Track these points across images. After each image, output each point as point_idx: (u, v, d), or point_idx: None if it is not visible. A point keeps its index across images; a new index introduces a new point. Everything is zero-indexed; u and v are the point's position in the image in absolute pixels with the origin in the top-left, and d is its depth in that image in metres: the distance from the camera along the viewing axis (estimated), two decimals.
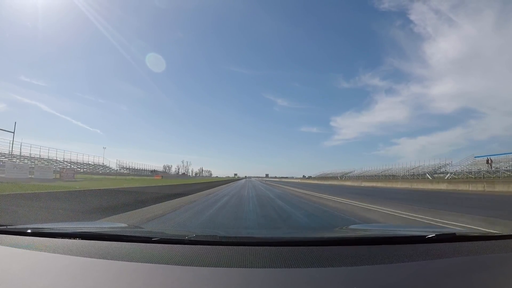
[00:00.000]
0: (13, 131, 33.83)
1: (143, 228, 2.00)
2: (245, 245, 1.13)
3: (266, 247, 1.13)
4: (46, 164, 36.37)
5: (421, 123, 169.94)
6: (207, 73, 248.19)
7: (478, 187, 20.94)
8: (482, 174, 33.29)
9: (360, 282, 0.85)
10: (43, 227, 1.48)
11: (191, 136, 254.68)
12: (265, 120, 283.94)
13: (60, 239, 1.22)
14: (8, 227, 1.37)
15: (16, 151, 37.73)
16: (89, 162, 60.02)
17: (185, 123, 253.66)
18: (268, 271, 0.90)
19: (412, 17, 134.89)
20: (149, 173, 77.79)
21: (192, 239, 1.20)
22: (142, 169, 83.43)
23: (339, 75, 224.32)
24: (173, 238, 1.26)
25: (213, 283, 0.81)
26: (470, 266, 1.01)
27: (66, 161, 51.25)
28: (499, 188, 19.17)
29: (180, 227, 5.59)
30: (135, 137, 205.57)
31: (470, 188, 21.37)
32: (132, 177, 51.80)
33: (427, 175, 44.25)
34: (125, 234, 1.32)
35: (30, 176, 24.10)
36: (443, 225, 5.65)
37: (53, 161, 45.97)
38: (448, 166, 45.62)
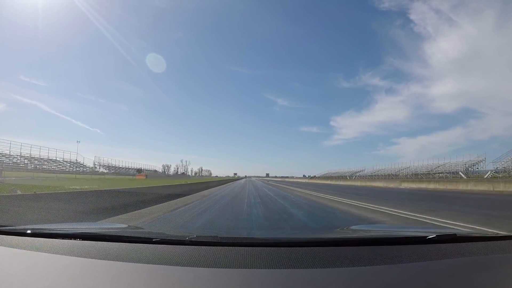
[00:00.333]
0: None
1: (143, 228, 1.99)
2: (246, 246, 1.12)
3: (266, 247, 1.13)
4: None
5: (421, 123, 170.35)
6: (207, 72, 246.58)
7: None
8: None
9: (361, 283, 0.85)
10: (43, 227, 1.48)
11: (191, 136, 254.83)
12: (265, 119, 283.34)
13: (60, 240, 1.22)
14: (8, 227, 1.37)
15: None
16: (63, 160, 53.64)
17: (185, 123, 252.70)
18: (268, 272, 0.90)
19: (413, 16, 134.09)
20: (135, 172, 72.47)
21: (193, 239, 1.20)
22: (127, 168, 76.49)
23: (339, 75, 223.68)
24: (173, 238, 1.26)
25: (214, 284, 0.81)
26: (471, 266, 1.01)
27: (34, 158, 46.41)
28: None
29: (181, 228, 5.56)
30: (135, 137, 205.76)
31: None
32: (111, 176, 46.80)
33: (460, 173, 39.29)
34: (125, 235, 1.32)
35: None
36: (443, 225, 5.53)
37: (23, 158, 41.31)
38: (481, 163, 40.79)
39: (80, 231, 1.41)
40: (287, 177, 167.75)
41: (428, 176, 49.14)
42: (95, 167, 61.79)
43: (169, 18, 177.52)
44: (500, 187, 18.81)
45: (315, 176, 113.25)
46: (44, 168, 47.97)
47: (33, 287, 0.80)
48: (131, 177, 55.28)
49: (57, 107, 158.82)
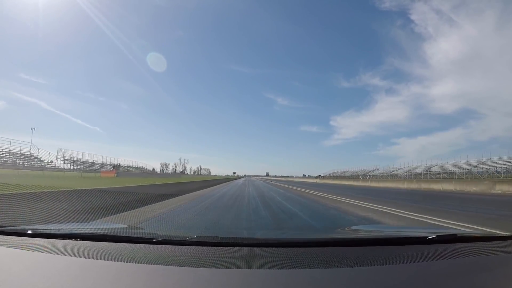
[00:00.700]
0: None
1: (143, 229, 1.97)
2: (246, 246, 1.12)
3: (267, 248, 1.12)
4: None
5: (421, 123, 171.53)
6: (207, 71, 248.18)
7: None
8: None
9: (362, 283, 0.84)
10: (43, 228, 1.47)
11: (191, 135, 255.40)
12: (265, 119, 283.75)
13: (60, 240, 1.21)
14: (8, 227, 1.37)
15: None
16: (9, 152, 41.80)
17: (185, 122, 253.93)
18: (269, 272, 0.90)
19: (413, 17, 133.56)
20: (111, 169, 60.22)
21: (193, 240, 1.19)
22: (103, 163, 64.28)
23: (339, 75, 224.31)
24: (174, 239, 1.26)
25: (214, 284, 0.81)
26: (471, 267, 1.01)
27: None
28: None
29: (181, 228, 5.53)
30: (135, 135, 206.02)
31: None
32: (68, 173, 38.36)
33: None
34: (125, 235, 1.32)
35: None
36: (444, 225, 5.54)
37: None
38: None
39: (80, 231, 1.41)
40: (287, 176, 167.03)
41: (469, 175, 42.58)
42: (52, 162, 48.75)
43: (170, 17, 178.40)
44: None
45: (320, 175, 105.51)
46: None
47: (33, 287, 0.80)
48: (94, 174, 43.67)
49: (57, 105, 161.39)
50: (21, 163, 41.36)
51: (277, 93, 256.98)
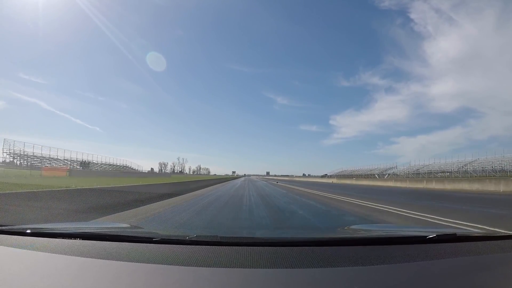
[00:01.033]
0: None
1: (143, 228, 1.98)
2: (246, 246, 1.12)
3: (267, 247, 1.12)
4: None
5: (420, 122, 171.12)
6: (207, 71, 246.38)
7: None
8: None
9: (361, 282, 0.84)
10: (44, 227, 1.47)
11: (191, 134, 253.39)
12: (264, 118, 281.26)
13: (60, 239, 1.21)
14: (8, 227, 1.36)
15: None
16: None
17: (185, 121, 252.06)
18: (269, 272, 0.89)
19: (413, 15, 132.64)
20: (77, 166, 52.81)
21: (193, 239, 1.19)
22: (65, 160, 53.00)
23: (339, 74, 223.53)
24: (174, 238, 1.25)
25: (214, 284, 0.81)
26: (471, 266, 1.01)
27: None
28: None
29: (181, 227, 5.56)
30: (135, 135, 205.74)
31: None
32: (11, 171, 30.77)
33: None
34: (125, 234, 1.31)
35: None
36: (444, 225, 5.58)
37: None
38: None
39: (80, 231, 1.41)
40: (288, 175, 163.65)
41: None
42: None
43: (169, 16, 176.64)
44: None
45: (326, 174, 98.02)
46: None
47: (33, 287, 0.79)
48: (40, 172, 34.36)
49: (57, 105, 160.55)
50: None
51: (277, 92, 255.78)
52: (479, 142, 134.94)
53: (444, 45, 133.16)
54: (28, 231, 1.29)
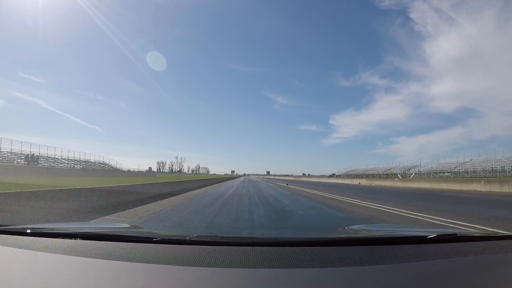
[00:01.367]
0: None
1: (143, 228, 1.97)
2: (246, 246, 1.11)
3: (267, 247, 1.12)
4: None
5: (420, 122, 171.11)
6: (207, 70, 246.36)
7: None
8: None
9: (362, 282, 0.84)
10: (44, 227, 1.46)
11: (191, 133, 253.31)
12: (264, 117, 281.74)
13: (60, 239, 1.21)
14: (8, 227, 1.36)
15: None
16: None
17: (185, 121, 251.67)
18: (269, 272, 0.89)
19: (413, 15, 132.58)
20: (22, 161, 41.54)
21: (193, 239, 1.19)
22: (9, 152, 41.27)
23: (338, 73, 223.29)
24: (174, 238, 1.24)
25: (214, 284, 0.81)
26: (471, 266, 1.00)
27: None
28: None
29: (181, 227, 5.52)
30: (135, 134, 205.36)
31: None
32: None
33: None
34: (126, 234, 1.31)
35: None
36: (444, 225, 5.54)
37: None
38: None
39: (80, 231, 1.40)
40: (287, 175, 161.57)
41: None
42: None
43: (169, 15, 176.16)
44: None
45: (334, 174, 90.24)
46: None
47: (33, 287, 0.79)
48: None
49: (56, 104, 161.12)
50: None
51: (277, 92, 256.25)
52: (479, 142, 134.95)
53: (444, 45, 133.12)
54: (28, 231, 1.28)
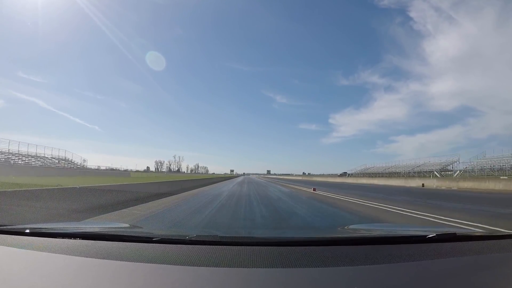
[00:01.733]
0: None
1: (143, 228, 1.98)
2: (246, 245, 1.11)
3: (266, 247, 1.12)
4: None
5: (420, 121, 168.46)
6: (206, 69, 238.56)
7: None
8: None
9: (361, 282, 0.84)
10: (43, 227, 1.46)
11: (191, 133, 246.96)
12: (264, 117, 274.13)
13: (60, 239, 1.21)
14: (8, 227, 1.36)
15: None
16: None
17: (185, 120, 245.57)
18: (269, 271, 0.89)
19: (412, 14, 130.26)
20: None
21: (193, 239, 1.19)
22: None
23: (338, 72, 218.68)
24: (173, 238, 1.25)
25: (214, 283, 0.81)
26: (470, 266, 1.00)
27: None
28: None
29: (181, 227, 5.51)
30: (134, 134, 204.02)
31: None
32: None
33: None
34: (125, 234, 1.31)
35: None
36: (444, 224, 5.47)
37: None
38: None
39: (80, 231, 1.40)
40: (290, 174, 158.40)
41: None
42: None
43: (168, 14, 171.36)
44: None
45: (345, 173, 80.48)
46: None
47: (33, 287, 0.79)
48: None
49: (56, 104, 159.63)
50: None
51: (276, 91, 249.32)
52: (478, 141, 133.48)
53: (444, 44, 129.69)
54: (28, 231, 1.28)
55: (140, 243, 1.14)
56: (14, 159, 41.93)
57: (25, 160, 44.37)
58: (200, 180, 25.20)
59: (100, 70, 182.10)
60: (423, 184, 27.77)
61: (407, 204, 9.88)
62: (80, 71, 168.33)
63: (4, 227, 1.33)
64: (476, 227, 5.37)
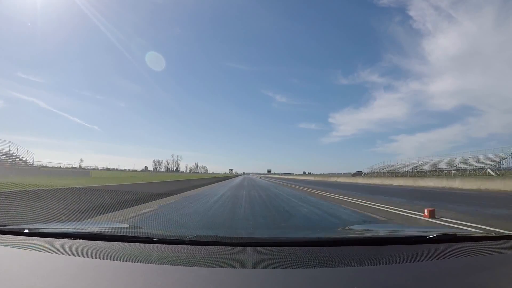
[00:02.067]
0: None
1: (143, 228, 1.97)
2: (246, 246, 1.12)
3: (267, 247, 1.12)
4: None
5: (419, 120, 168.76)
6: (206, 69, 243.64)
7: None
8: None
9: (361, 282, 0.84)
10: (43, 227, 1.46)
11: (190, 132, 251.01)
12: (263, 116, 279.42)
13: (60, 239, 1.21)
14: (7, 227, 1.36)
15: None
16: None
17: (184, 120, 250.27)
18: (269, 272, 0.89)
19: (412, 13, 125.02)
20: None
21: (193, 239, 1.19)
22: None
23: (337, 71, 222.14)
24: (173, 238, 1.25)
25: (214, 284, 0.81)
26: (471, 266, 1.00)
27: None
28: None
29: (181, 227, 5.52)
30: (134, 133, 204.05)
31: None
32: None
33: None
34: (125, 234, 1.31)
35: None
36: (444, 225, 5.48)
37: None
38: None
39: (80, 231, 1.40)
40: (290, 174, 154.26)
41: None
42: None
43: (167, 14, 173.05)
44: None
45: (359, 171, 71.83)
46: None
47: (33, 287, 0.79)
48: None
49: (55, 104, 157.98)
50: None
51: (276, 90, 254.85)
52: (478, 140, 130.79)
53: (443, 43, 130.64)
54: (28, 231, 1.28)
55: (140, 244, 1.14)
56: None
57: None
58: (176, 183, 17.07)
59: (99, 70, 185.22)
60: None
61: None
62: (79, 71, 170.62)
63: (4, 227, 1.33)
64: None
